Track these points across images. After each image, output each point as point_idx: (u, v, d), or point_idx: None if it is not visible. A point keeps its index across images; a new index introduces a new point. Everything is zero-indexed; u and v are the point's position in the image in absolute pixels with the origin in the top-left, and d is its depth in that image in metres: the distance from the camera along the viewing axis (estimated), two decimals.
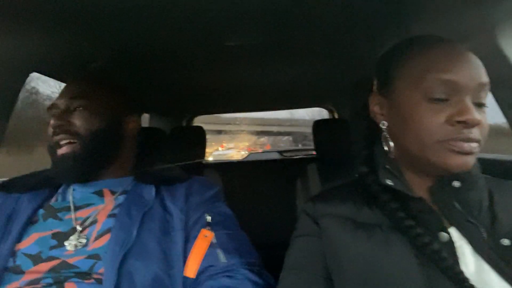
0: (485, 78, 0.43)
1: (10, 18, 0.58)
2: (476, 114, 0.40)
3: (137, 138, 0.73)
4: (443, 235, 0.42)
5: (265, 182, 1.73)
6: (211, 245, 0.56)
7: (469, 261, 0.41)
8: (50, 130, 0.61)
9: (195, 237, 0.57)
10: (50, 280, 0.51)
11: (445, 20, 0.68)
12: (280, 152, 3.98)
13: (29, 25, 0.61)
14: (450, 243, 0.41)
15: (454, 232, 0.43)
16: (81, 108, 0.63)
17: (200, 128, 1.44)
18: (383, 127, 0.49)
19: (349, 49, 0.88)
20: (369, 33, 0.74)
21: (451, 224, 0.43)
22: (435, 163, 0.42)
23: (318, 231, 0.50)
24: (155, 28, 0.67)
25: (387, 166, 0.48)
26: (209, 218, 0.60)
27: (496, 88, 0.75)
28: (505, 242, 0.40)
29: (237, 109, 2.03)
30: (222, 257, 0.54)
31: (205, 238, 0.56)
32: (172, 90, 1.32)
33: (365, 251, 0.44)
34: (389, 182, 0.46)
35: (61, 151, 0.61)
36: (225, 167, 1.51)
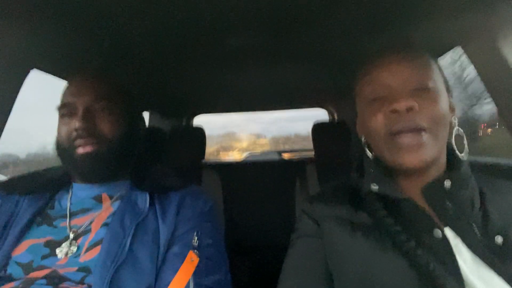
0: (418, 67, 0.46)
1: (11, 14, 0.58)
2: (408, 100, 0.43)
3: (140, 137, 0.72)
4: (437, 231, 0.43)
5: (264, 183, 1.73)
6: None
7: (467, 258, 0.41)
8: (70, 132, 0.58)
9: (177, 254, 0.56)
10: (44, 281, 0.51)
11: (445, 22, 0.68)
12: (279, 153, 3.97)
13: (30, 22, 0.61)
14: (445, 241, 0.42)
15: (449, 232, 0.44)
16: (105, 110, 0.60)
17: (200, 128, 1.44)
18: (362, 139, 0.54)
19: (350, 50, 0.88)
20: (370, 34, 0.74)
21: (445, 224, 0.44)
22: (391, 162, 0.46)
23: (319, 231, 0.51)
24: (156, 27, 0.67)
25: (372, 171, 0.50)
26: (196, 239, 0.59)
27: (495, 91, 0.75)
28: (498, 239, 0.41)
29: (237, 109, 2.03)
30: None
31: (191, 263, 0.56)
32: (172, 89, 1.32)
33: (362, 251, 0.45)
34: (374, 186, 0.48)
35: (82, 150, 0.58)
36: (224, 168, 1.51)
